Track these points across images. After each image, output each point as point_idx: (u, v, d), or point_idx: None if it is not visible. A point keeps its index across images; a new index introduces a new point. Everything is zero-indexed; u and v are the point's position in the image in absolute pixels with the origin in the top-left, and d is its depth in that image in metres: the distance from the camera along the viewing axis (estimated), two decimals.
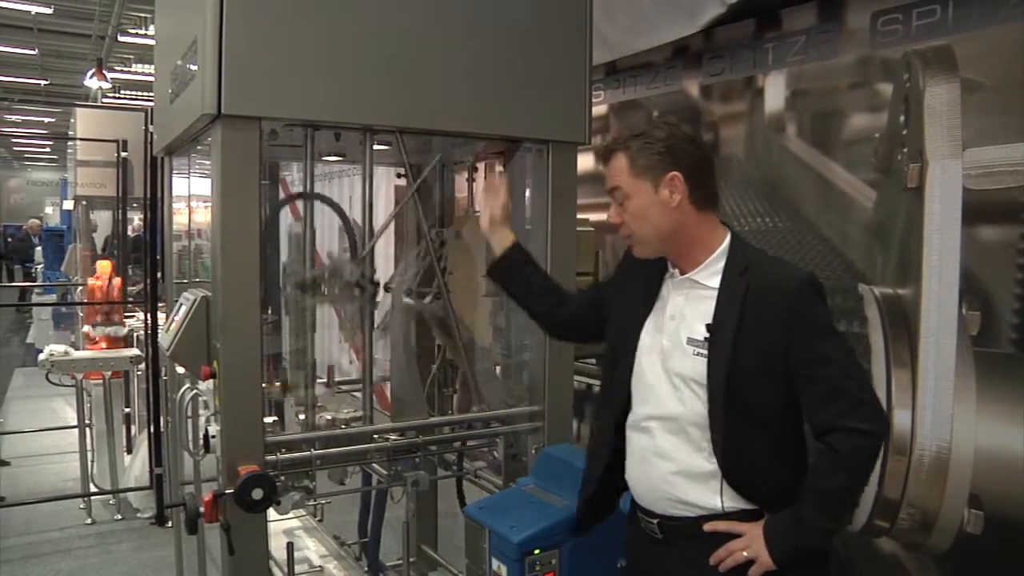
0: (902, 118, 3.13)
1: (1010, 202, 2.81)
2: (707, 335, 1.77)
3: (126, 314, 6.07)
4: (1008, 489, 2.82)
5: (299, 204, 2.59)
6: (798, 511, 1.73)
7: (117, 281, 5.94)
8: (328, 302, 2.55)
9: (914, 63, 3.08)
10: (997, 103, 2.87)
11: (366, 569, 2.78)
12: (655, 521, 1.87)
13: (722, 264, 1.82)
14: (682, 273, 1.87)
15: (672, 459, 1.82)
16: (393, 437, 2.44)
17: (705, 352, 1.77)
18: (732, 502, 1.78)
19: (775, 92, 3.68)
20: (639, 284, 1.97)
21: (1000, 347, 2.86)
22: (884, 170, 3.20)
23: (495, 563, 2.10)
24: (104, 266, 6.08)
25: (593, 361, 3.22)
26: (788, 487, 1.76)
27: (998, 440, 2.82)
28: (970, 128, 2.91)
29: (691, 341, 1.80)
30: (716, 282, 1.81)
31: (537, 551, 2.05)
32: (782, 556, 1.71)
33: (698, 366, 1.78)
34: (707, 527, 1.78)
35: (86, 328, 5.44)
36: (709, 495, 1.79)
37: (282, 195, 4.34)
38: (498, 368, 2.93)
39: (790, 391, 1.76)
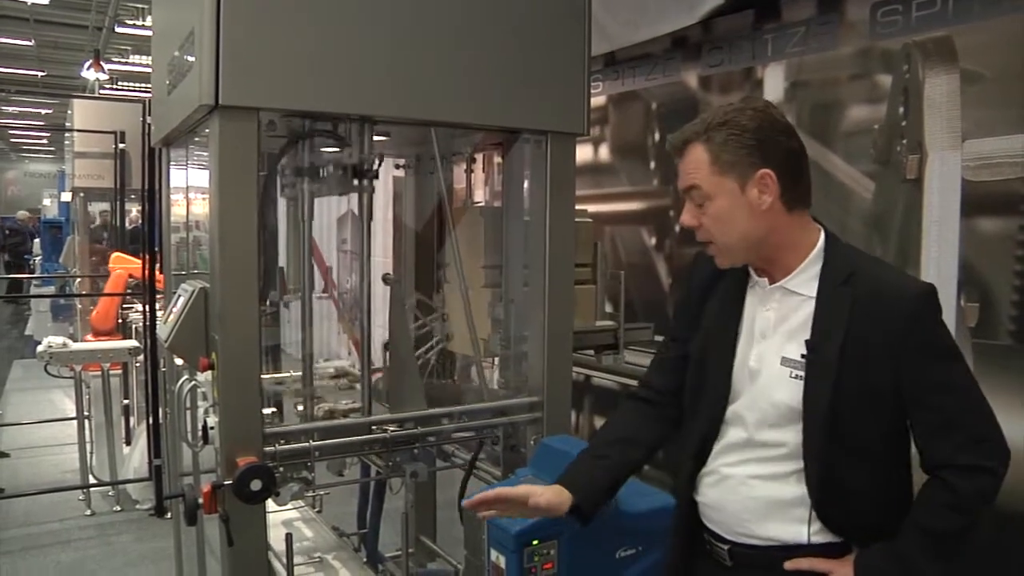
0: (901, 109, 3.13)
1: (1009, 193, 2.82)
2: (805, 353, 1.54)
3: (124, 306, 6.07)
4: (1008, 481, 2.82)
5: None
6: (899, 549, 1.50)
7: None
8: None
9: (914, 54, 3.07)
10: (997, 94, 2.86)
11: (365, 560, 2.79)
12: (726, 548, 1.66)
13: (818, 268, 1.57)
14: (771, 281, 1.62)
15: (756, 486, 1.61)
16: (392, 428, 2.44)
17: (802, 373, 1.53)
18: (819, 535, 1.56)
19: (774, 83, 3.68)
20: (719, 296, 1.72)
21: (998, 339, 2.86)
22: (883, 161, 3.20)
23: (494, 554, 2.10)
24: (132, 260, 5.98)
25: (591, 352, 3.22)
26: (886, 522, 1.54)
27: None
28: (969, 119, 2.91)
29: (786, 361, 1.56)
30: (812, 290, 1.56)
31: (536, 542, 2.05)
32: None
33: (794, 389, 1.54)
34: (788, 565, 1.56)
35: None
36: (794, 525, 1.57)
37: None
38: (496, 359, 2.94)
39: (899, 419, 1.53)
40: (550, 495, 1.74)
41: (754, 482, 1.61)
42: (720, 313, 1.71)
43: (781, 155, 1.55)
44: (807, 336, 1.54)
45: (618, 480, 1.84)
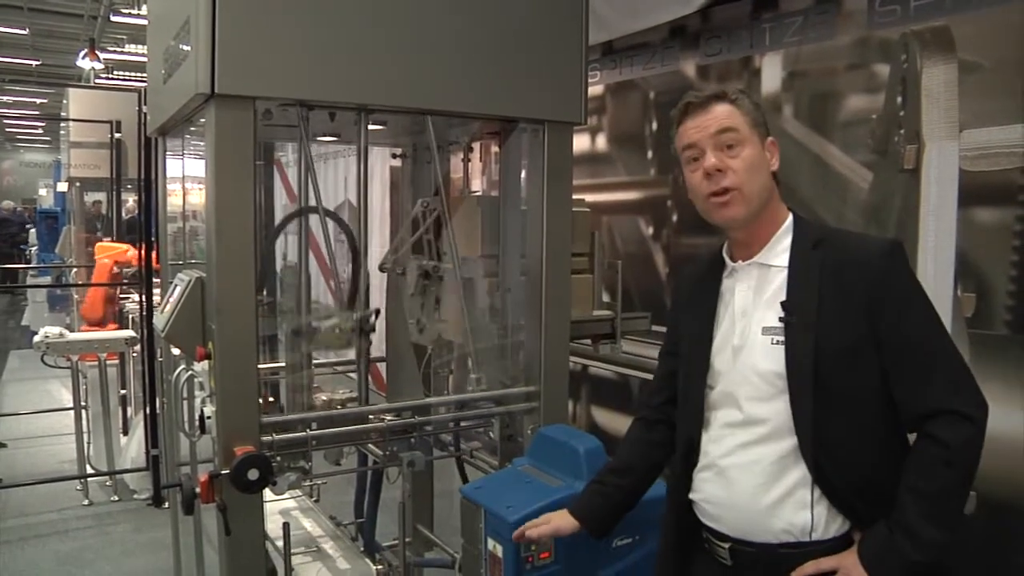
0: (899, 99, 3.13)
1: (1006, 184, 2.81)
2: (783, 316, 1.59)
3: (121, 295, 6.07)
4: (1001, 470, 2.83)
5: (293, 186, 2.58)
6: (899, 521, 1.49)
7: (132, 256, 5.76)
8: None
9: (912, 44, 3.07)
10: (994, 84, 2.86)
11: (362, 549, 2.79)
12: (726, 546, 1.66)
13: (788, 240, 1.66)
14: (746, 259, 1.69)
15: (752, 471, 1.61)
16: (389, 418, 2.44)
17: (782, 338, 1.58)
18: (821, 520, 1.57)
19: (772, 73, 3.67)
20: (697, 296, 1.80)
21: (995, 329, 2.87)
22: (881, 151, 3.20)
23: (491, 543, 2.11)
24: (119, 249, 5.98)
25: (588, 342, 3.22)
26: (887, 487, 1.53)
27: (992, 422, 2.83)
28: (967, 110, 2.91)
29: (766, 330, 1.61)
30: (785, 260, 1.64)
31: None
32: None
33: (777, 355, 1.58)
34: (794, 575, 1.56)
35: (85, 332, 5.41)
36: (800, 512, 1.57)
37: (277, 176, 4.33)
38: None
39: (882, 375, 1.56)
40: (560, 522, 1.93)
41: (754, 469, 1.61)
42: (697, 308, 1.78)
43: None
44: (784, 300, 1.61)
45: (619, 504, 1.94)
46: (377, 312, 2.50)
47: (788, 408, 1.57)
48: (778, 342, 1.59)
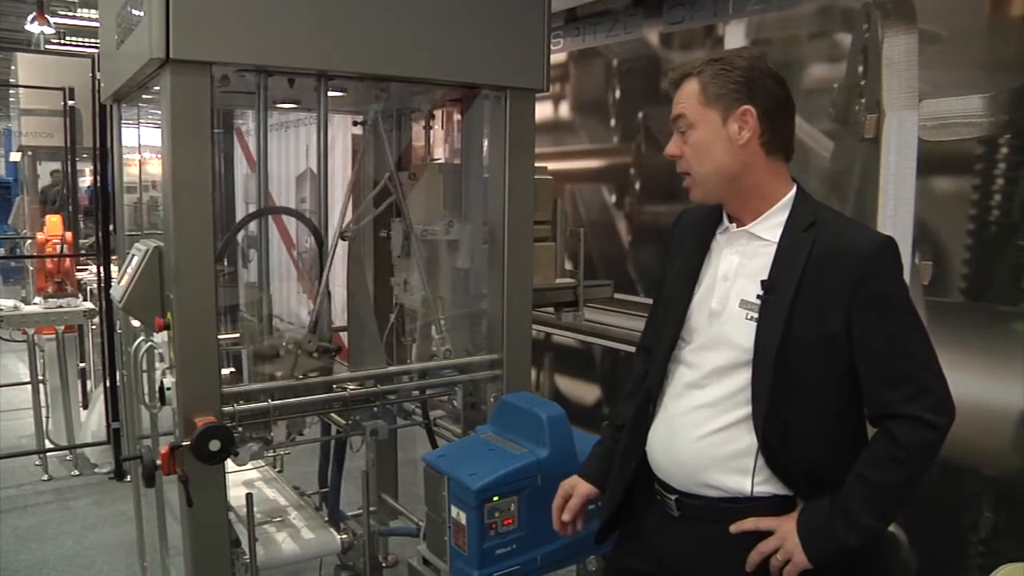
0: (860, 69, 3.15)
1: (964, 154, 2.85)
2: (760, 294, 1.58)
3: (78, 267, 5.95)
4: (954, 433, 2.89)
5: (253, 154, 2.54)
6: (841, 502, 1.52)
7: (68, 236, 5.77)
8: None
9: (873, 14, 3.09)
10: (954, 55, 2.89)
11: (326, 519, 2.79)
12: (673, 498, 1.70)
13: (784, 216, 1.62)
14: (739, 225, 1.67)
15: (701, 430, 1.63)
16: (351, 387, 2.43)
17: (757, 315, 1.57)
18: (763, 486, 1.59)
19: (735, 41, 3.67)
20: (690, 242, 1.77)
21: (951, 296, 2.92)
22: (842, 120, 3.22)
23: (455, 510, 2.12)
24: (54, 222, 5.89)
25: (551, 310, 3.23)
26: (833, 471, 1.55)
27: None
28: (927, 80, 2.94)
29: (744, 304, 1.60)
30: (776, 236, 1.61)
31: (496, 498, 2.07)
32: (819, 555, 1.51)
33: (749, 331, 1.58)
34: (733, 528, 1.58)
35: (37, 300, 5.28)
36: (739, 476, 1.60)
37: (237, 144, 4.25)
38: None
39: (849, 367, 1.55)
40: (583, 489, 1.91)
41: (704, 428, 1.63)
42: (687, 257, 1.76)
43: (766, 98, 1.60)
44: (766, 277, 1.59)
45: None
46: (338, 350, 2.52)
47: (749, 382, 1.58)
48: (752, 318, 1.58)
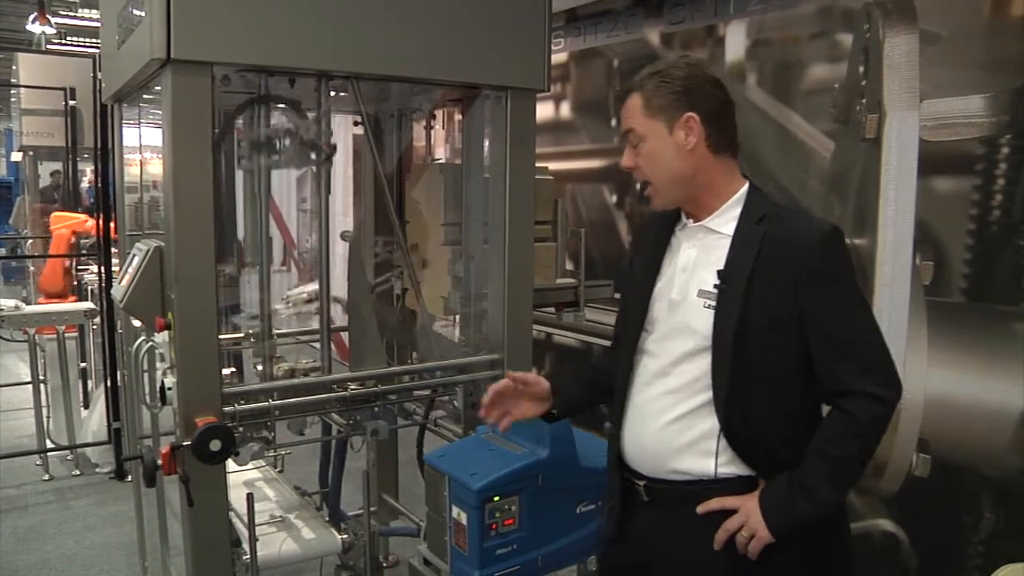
0: (861, 69, 3.15)
1: (965, 154, 2.85)
2: (717, 283, 1.67)
3: (79, 267, 5.95)
4: (954, 433, 2.90)
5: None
6: (799, 478, 1.61)
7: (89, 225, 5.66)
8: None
9: (874, 14, 3.09)
10: (955, 55, 2.89)
11: (327, 519, 2.79)
12: (642, 483, 1.79)
13: (738, 211, 1.72)
14: (696, 221, 1.77)
15: (665, 416, 1.73)
16: (352, 387, 2.43)
17: (714, 303, 1.67)
18: (726, 467, 1.68)
19: (736, 41, 3.67)
20: (652, 239, 1.87)
21: (951, 297, 2.92)
22: (843, 121, 3.22)
23: (455, 510, 2.12)
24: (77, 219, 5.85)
25: (552, 310, 3.23)
26: (791, 452, 1.65)
27: (947, 387, 2.89)
28: (928, 80, 2.94)
29: (702, 293, 1.70)
30: (731, 229, 1.71)
31: (497, 498, 2.07)
32: (781, 530, 1.61)
33: (707, 318, 1.67)
34: (700, 509, 1.68)
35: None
36: (703, 459, 1.69)
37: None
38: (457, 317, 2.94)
39: (803, 350, 1.64)
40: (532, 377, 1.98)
41: (668, 415, 1.73)
42: (649, 252, 1.86)
43: (708, 102, 1.69)
44: (722, 268, 1.69)
45: (588, 395, 2.08)
46: None
47: (709, 367, 1.67)
48: (709, 306, 1.67)
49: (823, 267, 1.62)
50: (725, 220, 1.72)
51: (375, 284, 3.13)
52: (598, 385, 2.04)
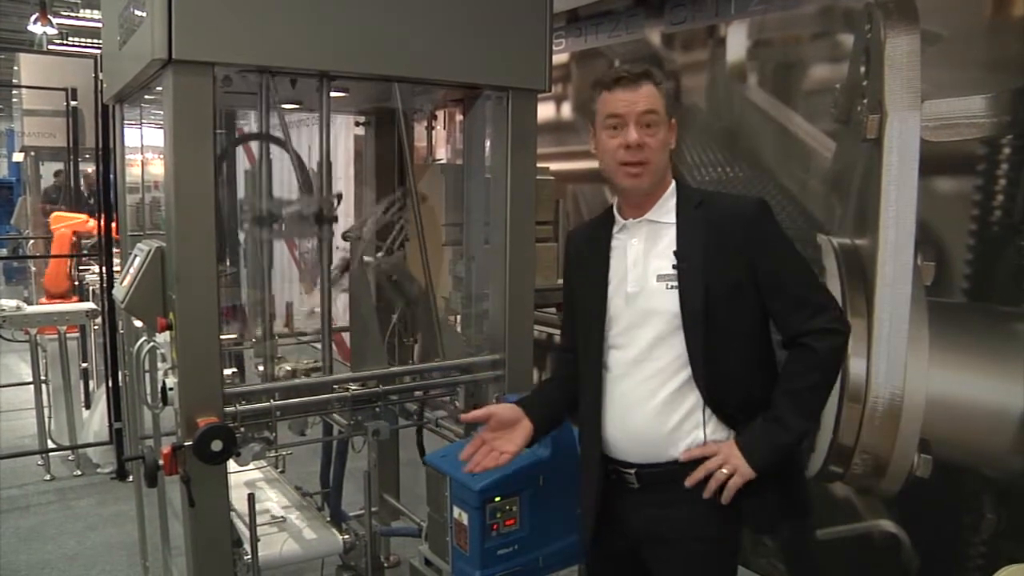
0: (862, 69, 3.15)
1: (966, 154, 2.85)
2: (675, 264, 1.82)
3: (80, 267, 5.96)
4: (955, 434, 2.90)
5: (254, 149, 2.53)
6: (772, 414, 1.78)
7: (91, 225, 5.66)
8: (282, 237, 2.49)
9: (875, 14, 3.08)
10: (956, 55, 2.89)
11: (328, 519, 2.79)
12: (632, 471, 1.88)
13: (673, 202, 1.90)
14: (636, 217, 1.91)
15: (652, 403, 1.83)
16: (353, 387, 2.43)
17: (676, 283, 1.81)
18: (714, 435, 1.82)
19: (737, 41, 3.67)
20: (588, 253, 2.00)
21: (953, 297, 2.92)
22: (844, 121, 3.22)
23: (456, 511, 2.12)
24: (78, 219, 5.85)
25: (553, 310, 3.23)
26: (761, 402, 1.81)
27: (948, 387, 2.89)
28: (929, 80, 2.93)
29: (661, 277, 1.83)
30: (672, 217, 1.88)
31: (498, 498, 2.08)
32: (760, 462, 1.75)
33: (671, 298, 1.81)
34: (683, 455, 1.81)
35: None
36: (692, 432, 1.82)
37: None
38: (458, 317, 2.94)
39: (761, 308, 1.83)
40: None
41: (653, 401, 1.83)
42: (591, 263, 1.97)
43: (675, 111, 1.90)
44: (675, 250, 1.84)
45: (558, 408, 2.09)
46: (340, 196, 2.50)
47: (683, 344, 1.80)
48: (672, 287, 1.81)
49: (764, 232, 1.82)
50: (665, 211, 1.89)
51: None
52: (564, 396, 2.08)
